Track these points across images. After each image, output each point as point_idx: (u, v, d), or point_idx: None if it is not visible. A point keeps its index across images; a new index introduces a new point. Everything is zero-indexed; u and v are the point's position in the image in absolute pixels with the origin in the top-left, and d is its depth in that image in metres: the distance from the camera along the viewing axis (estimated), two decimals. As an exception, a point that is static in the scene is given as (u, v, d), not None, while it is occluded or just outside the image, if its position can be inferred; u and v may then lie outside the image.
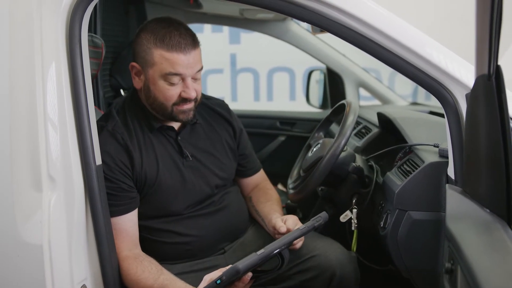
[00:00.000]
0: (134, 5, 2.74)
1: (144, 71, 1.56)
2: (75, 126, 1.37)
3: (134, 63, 1.58)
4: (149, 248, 1.58)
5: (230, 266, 1.27)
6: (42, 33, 1.33)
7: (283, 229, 1.54)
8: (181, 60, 1.50)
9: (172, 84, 1.52)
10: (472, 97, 1.08)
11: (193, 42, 1.53)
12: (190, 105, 1.57)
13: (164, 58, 1.50)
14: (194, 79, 1.55)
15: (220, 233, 1.67)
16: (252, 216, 1.82)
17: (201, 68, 1.57)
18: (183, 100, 1.54)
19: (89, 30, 1.76)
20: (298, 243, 1.59)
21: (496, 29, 0.90)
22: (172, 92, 1.53)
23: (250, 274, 1.32)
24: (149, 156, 1.58)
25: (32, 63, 1.32)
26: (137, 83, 1.60)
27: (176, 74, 1.51)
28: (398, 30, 1.34)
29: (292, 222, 1.57)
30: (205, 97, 1.80)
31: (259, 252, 1.27)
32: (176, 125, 1.66)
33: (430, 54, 1.33)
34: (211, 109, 1.77)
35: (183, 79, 1.53)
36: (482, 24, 0.93)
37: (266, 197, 1.82)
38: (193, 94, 1.54)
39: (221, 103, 1.83)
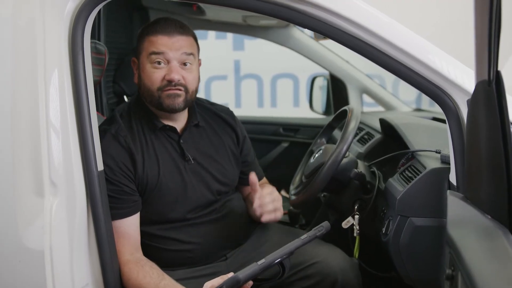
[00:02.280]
0: (138, 12, 2.76)
1: (138, 62, 1.62)
2: (77, 132, 1.38)
3: (133, 58, 1.65)
4: (150, 254, 1.57)
5: (231, 275, 1.27)
6: (44, 40, 1.33)
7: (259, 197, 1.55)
8: (164, 40, 1.55)
9: (157, 67, 1.56)
10: (472, 102, 1.08)
11: (180, 29, 1.58)
12: (175, 91, 1.56)
13: (150, 41, 1.57)
14: (183, 64, 1.57)
15: (222, 240, 1.67)
16: (252, 213, 1.80)
17: (191, 54, 1.59)
18: (167, 83, 1.55)
19: (93, 37, 1.78)
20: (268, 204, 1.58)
21: (495, 34, 0.90)
22: (156, 75, 1.56)
23: (250, 283, 1.32)
24: (151, 158, 1.59)
25: (35, 69, 1.33)
26: (136, 77, 1.65)
27: (157, 53, 1.55)
28: (400, 36, 1.34)
29: (267, 193, 1.58)
30: (210, 103, 1.81)
31: (259, 262, 1.27)
32: (178, 126, 1.65)
33: (432, 60, 1.33)
34: (216, 114, 1.78)
35: (168, 62, 1.55)
36: (481, 30, 0.93)
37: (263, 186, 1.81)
38: (175, 77, 1.54)
39: (226, 109, 1.83)
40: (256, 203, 1.56)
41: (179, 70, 1.56)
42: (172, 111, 1.59)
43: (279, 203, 1.60)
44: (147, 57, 1.57)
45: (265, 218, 1.57)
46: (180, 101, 1.57)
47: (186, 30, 1.60)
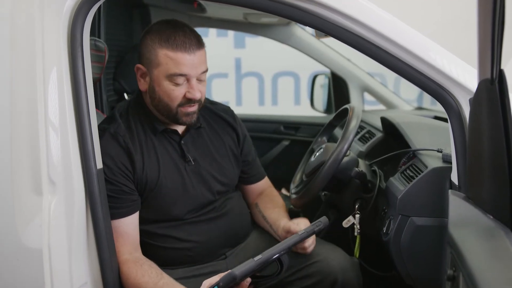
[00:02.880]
0: (138, 9, 2.75)
1: (149, 72, 1.55)
2: (76, 129, 1.37)
3: (139, 65, 1.58)
4: (150, 253, 1.57)
5: (227, 272, 1.26)
6: (43, 37, 1.32)
7: (299, 229, 1.53)
8: (186, 60, 1.50)
9: (177, 84, 1.52)
10: (475, 101, 1.07)
11: (198, 43, 1.53)
12: (194, 108, 1.56)
13: (169, 58, 1.50)
14: (199, 80, 1.55)
15: (221, 238, 1.66)
16: (258, 222, 1.81)
17: (206, 70, 1.57)
18: (187, 101, 1.54)
19: (93, 34, 1.77)
20: (310, 247, 1.59)
21: (499, 33, 0.89)
22: (177, 93, 1.53)
23: (249, 280, 1.31)
24: (151, 159, 1.58)
25: (34, 66, 1.32)
26: (143, 85, 1.59)
27: (181, 75, 1.51)
28: (401, 34, 1.33)
29: (304, 225, 1.56)
30: (210, 102, 1.80)
31: (256, 258, 1.26)
32: (180, 128, 1.65)
33: (433, 59, 1.32)
34: (216, 114, 1.77)
35: (188, 80, 1.52)
36: (484, 28, 0.92)
37: (273, 203, 1.81)
38: (197, 95, 1.53)
39: (226, 109, 1.82)
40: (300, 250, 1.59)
41: (198, 87, 1.54)
42: (189, 126, 1.62)
43: (312, 248, 1.61)
44: (166, 76, 1.51)
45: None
46: (195, 116, 1.59)
47: (201, 42, 1.55)
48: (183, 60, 1.50)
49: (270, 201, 1.82)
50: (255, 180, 1.85)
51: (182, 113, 1.55)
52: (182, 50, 1.49)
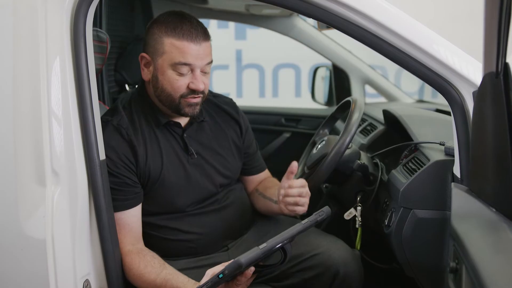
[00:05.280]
0: (140, 0, 2.74)
1: (154, 61, 1.55)
2: (79, 120, 1.37)
3: (143, 54, 1.58)
4: (152, 245, 1.57)
5: (232, 260, 1.26)
6: (46, 28, 1.32)
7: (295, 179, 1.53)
8: (191, 49, 1.49)
9: (180, 74, 1.51)
10: (479, 95, 1.07)
11: (204, 34, 1.53)
12: (197, 99, 1.56)
13: (175, 46, 1.50)
14: (203, 72, 1.55)
15: (223, 230, 1.66)
16: (259, 206, 1.79)
17: (211, 62, 1.56)
18: (191, 92, 1.53)
19: (95, 25, 1.76)
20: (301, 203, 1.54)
21: (505, 26, 0.89)
22: (180, 83, 1.52)
23: (252, 269, 1.31)
24: (154, 151, 1.58)
25: (37, 57, 1.32)
26: (146, 74, 1.59)
27: (185, 64, 1.50)
28: (404, 26, 1.33)
29: (300, 181, 1.54)
30: (213, 95, 1.79)
31: (261, 246, 1.26)
32: (183, 121, 1.65)
33: (437, 51, 1.31)
34: (219, 107, 1.76)
35: (192, 70, 1.52)
36: (490, 21, 0.92)
37: (272, 183, 1.81)
38: (201, 86, 1.53)
39: (229, 101, 1.82)
40: (281, 192, 1.54)
41: (202, 79, 1.54)
42: (190, 117, 1.61)
43: (304, 199, 1.54)
44: (170, 64, 1.51)
45: (282, 208, 1.56)
46: (198, 108, 1.58)
47: (207, 34, 1.55)
48: (188, 50, 1.49)
49: (269, 183, 1.83)
50: (255, 171, 1.85)
51: (185, 103, 1.55)
52: (188, 39, 1.49)
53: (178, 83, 1.52)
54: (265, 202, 1.76)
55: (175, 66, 1.50)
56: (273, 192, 1.70)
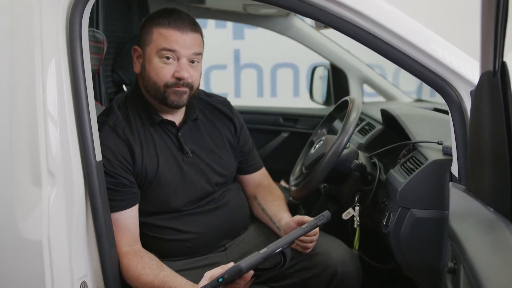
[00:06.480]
0: (137, 0, 2.73)
1: (143, 52, 1.58)
2: (75, 121, 1.36)
3: (136, 46, 1.62)
4: (149, 245, 1.57)
5: (232, 264, 1.26)
6: (42, 28, 1.31)
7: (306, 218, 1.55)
8: (177, 37, 1.52)
9: (166, 62, 1.53)
10: (476, 94, 1.07)
11: (193, 25, 1.56)
12: (182, 89, 1.55)
13: (161, 34, 1.53)
14: (191, 62, 1.55)
15: (220, 230, 1.66)
16: (257, 215, 1.81)
17: (200, 54, 1.58)
18: (176, 81, 1.54)
19: (91, 25, 1.76)
20: (309, 245, 1.59)
21: (502, 25, 0.88)
22: (165, 71, 1.53)
23: (251, 272, 1.31)
24: (150, 151, 1.57)
25: (32, 58, 1.31)
26: (137, 67, 1.62)
27: (170, 50, 1.52)
28: (402, 25, 1.32)
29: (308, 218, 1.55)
30: (206, 95, 1.79)
31: (261, 251, 1.26)
32: (177, 120, 1.64)
33: (434, 50, 1.31)
34: (213, 106, 1.76)
35: (178, 58, 1.53)
36: (487, 20, 0.91)
37: (273, 196, 1.80)
38: (185, 75, 1.53)
39: (223, 101, 1.82)
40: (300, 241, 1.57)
41: (188, 68, 1.54)
42: (176, 107, 1.60)
43: (313, 243, 1.60)
44: (156, 51, 1.53)
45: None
46: (184, 98, 1.57)
47: (197, 26, 1.58)
48: (174, 37, 1.52)
49: (269, 194, 1.81)
50: (252, 170, 1.85)
51: (170, 91, 1.55)
52: (175, 28, 1.52)
53: (163, 71, 1.53)
54: (264, 217, 1.76)
55: (160, 52, 1.52)
56: (274, 211, 1.71)
